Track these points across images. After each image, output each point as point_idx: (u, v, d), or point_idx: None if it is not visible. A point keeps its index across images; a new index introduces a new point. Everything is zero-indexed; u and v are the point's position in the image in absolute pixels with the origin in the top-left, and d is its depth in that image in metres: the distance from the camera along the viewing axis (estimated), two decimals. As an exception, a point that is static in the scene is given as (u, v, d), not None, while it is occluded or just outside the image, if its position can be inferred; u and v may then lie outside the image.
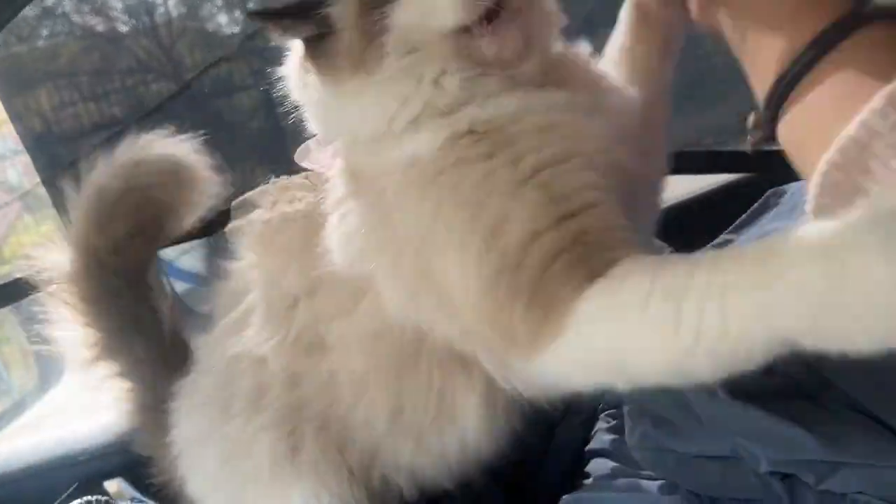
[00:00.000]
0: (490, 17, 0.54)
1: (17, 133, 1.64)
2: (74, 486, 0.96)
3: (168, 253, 1.20)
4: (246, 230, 0.77)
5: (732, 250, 0.54)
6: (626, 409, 0.72)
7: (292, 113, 0.64)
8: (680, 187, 1.29)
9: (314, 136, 0.67)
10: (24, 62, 1.56)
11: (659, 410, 0.67)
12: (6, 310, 1.12)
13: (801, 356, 0.40)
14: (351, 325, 0.65)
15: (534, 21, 0.58)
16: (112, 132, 1.23)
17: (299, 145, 0.70)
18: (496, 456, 0.67)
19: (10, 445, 1.10)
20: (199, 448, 0.74)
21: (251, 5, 1.65)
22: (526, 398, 0.60)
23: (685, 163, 1.16)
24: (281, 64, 0.64)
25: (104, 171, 0.77)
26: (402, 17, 0.55)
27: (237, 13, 1.62)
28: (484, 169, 0.54)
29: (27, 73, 1.57)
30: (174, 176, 0.78)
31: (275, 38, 0.60)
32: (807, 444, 0.55)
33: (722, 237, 0.83)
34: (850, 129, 0.44)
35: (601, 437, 0.78)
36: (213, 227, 0.87)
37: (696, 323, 0.42)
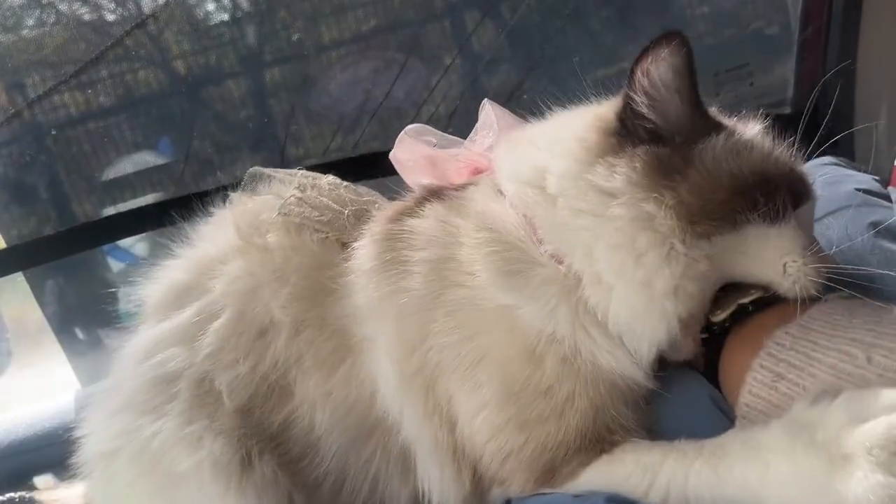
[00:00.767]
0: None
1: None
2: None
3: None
4: (238, 214, 0.70)
5: (701, 442, 0.60)
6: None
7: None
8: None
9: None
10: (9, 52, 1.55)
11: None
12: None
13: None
14: (325, 384, 0.64)
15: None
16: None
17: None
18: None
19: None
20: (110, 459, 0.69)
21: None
22: None
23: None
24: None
25: None
26: None
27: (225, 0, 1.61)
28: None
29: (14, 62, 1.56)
30: None
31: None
32: None
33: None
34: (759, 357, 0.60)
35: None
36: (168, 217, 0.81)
37: (664, 493, 0.57)
